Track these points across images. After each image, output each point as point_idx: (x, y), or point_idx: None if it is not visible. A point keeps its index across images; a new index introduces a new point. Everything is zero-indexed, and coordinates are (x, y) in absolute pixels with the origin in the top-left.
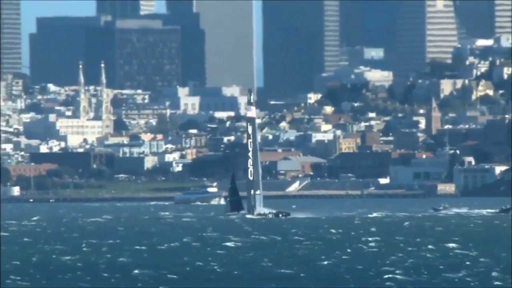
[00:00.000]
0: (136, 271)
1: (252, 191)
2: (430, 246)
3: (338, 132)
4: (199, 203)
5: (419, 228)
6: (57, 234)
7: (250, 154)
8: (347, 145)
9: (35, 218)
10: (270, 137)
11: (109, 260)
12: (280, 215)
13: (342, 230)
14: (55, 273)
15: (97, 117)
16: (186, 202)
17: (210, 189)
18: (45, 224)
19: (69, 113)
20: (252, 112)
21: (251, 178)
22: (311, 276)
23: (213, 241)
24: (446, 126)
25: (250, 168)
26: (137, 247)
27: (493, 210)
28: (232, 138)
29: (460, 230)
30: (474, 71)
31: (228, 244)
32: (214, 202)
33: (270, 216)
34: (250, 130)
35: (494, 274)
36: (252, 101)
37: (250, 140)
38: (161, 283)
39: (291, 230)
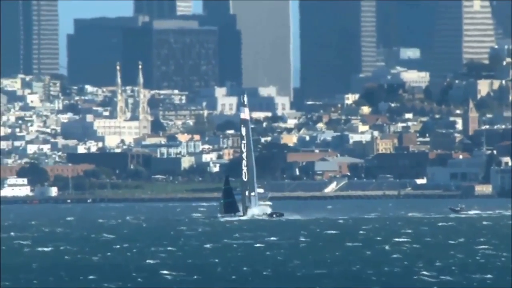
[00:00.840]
0: (165, 272)
1: (247, 192)
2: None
3: (375, 133)
4: None
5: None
6: (85, 234)
7: (244, 155)
8: (384, 146)
9: (69, 218)
10: (307, 138)
11: (136, 261)
12: (274, 216)
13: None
14: (83, 274)
15: (134, 118)
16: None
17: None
18: (77, 224)
19: (106, 114)
20: (246, 113)
21: (245, 179)
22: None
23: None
24: (483, 127)
25: (245, 170)
26: (170, 248)
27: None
28: (269, 138)
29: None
30: (511, 72)
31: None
32: (261, 202)
33: (264, 217)
34: (243, 132)
35: None
36: (245, 103)
37: (244, 142)
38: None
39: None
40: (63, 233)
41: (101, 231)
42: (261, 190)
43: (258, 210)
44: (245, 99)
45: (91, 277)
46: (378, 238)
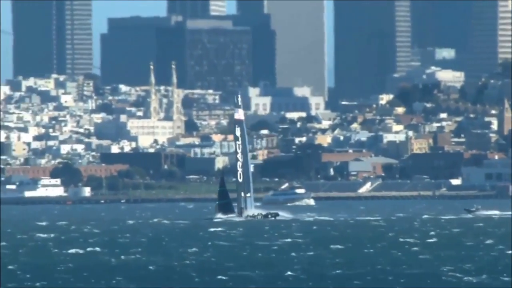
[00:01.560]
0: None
1: (242, 194)
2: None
3: (410, 133)
4: (289, 204)
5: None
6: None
7: (239, 156)
8: (419, 146)
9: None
10: (342, 138)
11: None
12: (269, 216)
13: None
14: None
15: (168, 118)
16: (275, 203)
17: (298, 190)
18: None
19: (140, 114)
20: (240, 114)
21: (240, 180)
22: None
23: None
24: None
25: (240, 171)
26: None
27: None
28: (304, 139)
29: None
30: None
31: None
32: (303, 203)
33: (259, 217)
34: (238, 132)
35: None
36: (239, 104)
37: (239, 143)
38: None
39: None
40: (91, 234)
41: (129, 232)
42: (302, 190)
43: (253, 211)
44: (239, 99)
45: (118, 278)
46: (409, 240)
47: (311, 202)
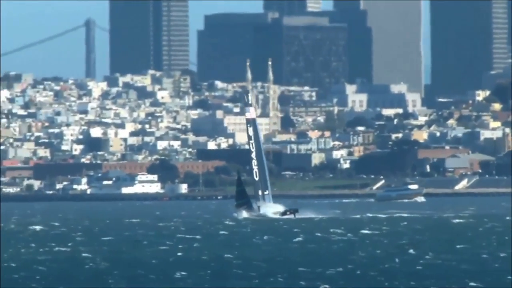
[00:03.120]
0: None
1: (260, 192)
2: None
3: (507, 130)
4: (404, 200)
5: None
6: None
7: (253, 155)
8: None
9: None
10: (438, 134)
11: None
12: (288, 213)
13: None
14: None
15: (265, 114)
16: (388, 199)
17: (411, 186)
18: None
19: (236, 110)
20: (251, 113)
21: (256, 179)
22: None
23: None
24: None
25: (255, 169)
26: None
27: None
28: (400, 135)
29: None
30: None
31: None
32: (417, 199)
33: (278, 215)
34: (251, 132)
35: None
36: (250, 102)
37: (252, 141)
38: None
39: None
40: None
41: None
42: (415, 186)
43: (272, 208)
44: (249, 98)
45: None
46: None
47: (422, 198)
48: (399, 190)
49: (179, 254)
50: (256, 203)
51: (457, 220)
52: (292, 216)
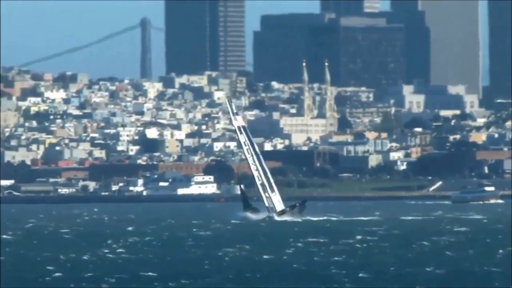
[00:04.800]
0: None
1: (266, 194)
2: None
3: None
4: (481, 202)
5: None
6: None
7: (250, 160)
8: None
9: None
10: (496, 135)
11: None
12: (297, 204)
13: None
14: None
15: (321, 115)
16: (463, 201)
17: (487, 188)
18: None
19: (293, 111)
20: (239, 121)
21: (259, 182)
22: None
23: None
24: None
25: (256, 174)
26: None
27: None
28: (458, 136)
29: None
30: None
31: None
32: (492, 201)
33: (288, 210)
34: (242, 139)
35: None
36: (235, 111)
37: (247, 148)
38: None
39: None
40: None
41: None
42: (492, 188)
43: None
44: (233, 107)
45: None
46: None
47: (500, 200)
48: (475, 192)
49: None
50: (269, 209)
51: None
52: (299, 209)
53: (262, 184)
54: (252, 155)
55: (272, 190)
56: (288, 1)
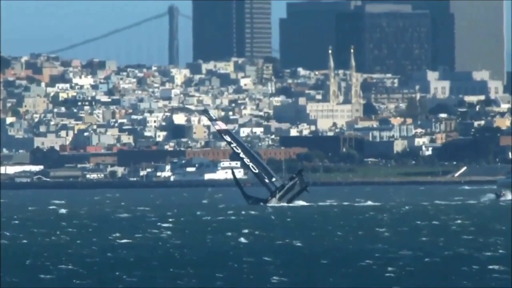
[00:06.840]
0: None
1: (266, 180)
2: None
3: None
4: None
5: None
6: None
7: (241, 155)
8: None
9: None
10: None
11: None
12: (294, 176)
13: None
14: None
15: (347, 101)
16: (509, 186)
17: None
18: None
19: (319, 97)
20: (220, 125)
21: (256, 171)
22: None
23: None
24: None
25: (251, 164)
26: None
27: None
28: (482, 122)
29: None
30: None
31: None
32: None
33: (287, 182)
34: (228, 139)
35: None
36: (213, 117)
37: (234, 145)
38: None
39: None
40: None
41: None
42: (503, 177)
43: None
44: (211, 114)
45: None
46: None
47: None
48: None
49: None
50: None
51: None
52: (298, 180)
53: (258, 173)
54: (242, 152)
55: (272, 176)
56: None
